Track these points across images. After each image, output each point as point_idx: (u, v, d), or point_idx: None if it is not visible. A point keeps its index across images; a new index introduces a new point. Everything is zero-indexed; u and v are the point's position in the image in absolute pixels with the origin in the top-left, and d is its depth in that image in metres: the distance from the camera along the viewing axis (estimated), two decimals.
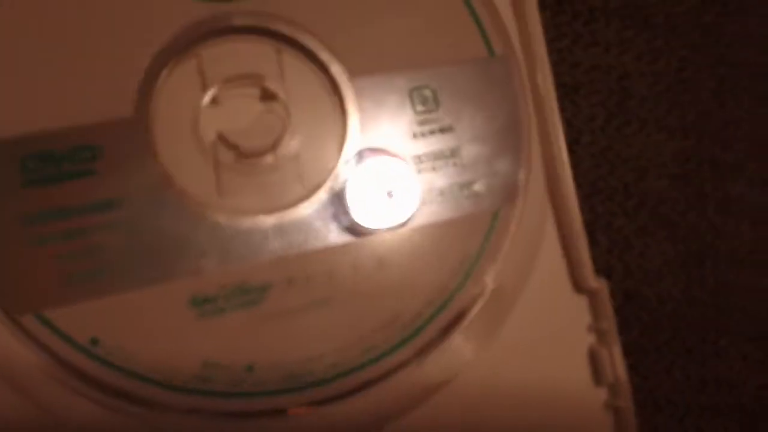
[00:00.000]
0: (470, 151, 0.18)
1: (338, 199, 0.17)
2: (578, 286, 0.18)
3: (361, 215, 0.17)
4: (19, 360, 0.15)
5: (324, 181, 0.17)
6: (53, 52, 0.16)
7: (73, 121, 0.16)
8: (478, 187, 0.18)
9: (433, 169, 0.18)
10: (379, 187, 0.17)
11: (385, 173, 0.17)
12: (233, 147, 0.17)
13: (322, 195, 0.17)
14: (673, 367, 0.21)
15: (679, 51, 0.22)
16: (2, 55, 0.16)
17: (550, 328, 0.18)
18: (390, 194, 0.17)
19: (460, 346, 0.17)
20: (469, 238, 0.18)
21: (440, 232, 0.18)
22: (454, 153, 0.18)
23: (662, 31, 0.21)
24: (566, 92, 0.20)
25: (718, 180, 0.21)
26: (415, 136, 0.18)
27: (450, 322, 0.17)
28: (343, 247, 0.17)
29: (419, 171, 0.18)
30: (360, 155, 0.17)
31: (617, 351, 0.18)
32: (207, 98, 0.17)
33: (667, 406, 0.21)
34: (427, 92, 0.18)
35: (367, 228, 0.17)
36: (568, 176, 0.18)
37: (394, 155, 0.17)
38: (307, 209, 0.17)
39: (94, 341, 0.15)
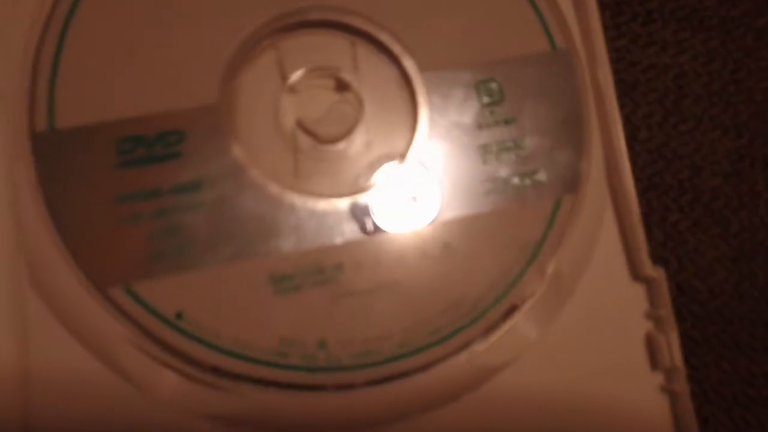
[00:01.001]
0: (533, 142, 0.19)
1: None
2: (635, 274, 0.19)
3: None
4: (107, 331, 0.16)
5: (396, 167, 0.18)
6: (146, 44, 0.17)
7: (163, 108, 0.17)
8: (540, 176, 0.19)
9: (497, 158, 0.19)
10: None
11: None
12: (311, 134, 0.18)
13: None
14: (723, 359, 0.21)
15: (734, 53, 0.22)
16: (102, 48, 0.17)
17: (607, 314, 0.18)
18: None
19: (521, 328, 0.18)
20: (532, 225, 0.18)
21: (503, 220, 0.18)
22: (517, 144, 0.19)
23: (717, 33, 0.22)
24: (624, 90, 0.20)
25: None
26: (480, 127, 0.19)
27: (512, 306, 0.18)
28: (411, 233, 0.18)
29: (484, 161, 0.18)
30: None
31: (674, 337, 0.18)
32: (286, 87, 0.18)
33: (715, 397, 0.21)
34: (493, 85, 0.19)
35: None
36: (627, 168, 0.19)
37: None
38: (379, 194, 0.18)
39: (179, 315, 0.16)
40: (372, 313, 0.17)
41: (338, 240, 0.17)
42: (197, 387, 0.16)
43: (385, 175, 0.18)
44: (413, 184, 0.18)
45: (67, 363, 0.16)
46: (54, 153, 0.16)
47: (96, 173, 0.16)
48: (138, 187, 0.17)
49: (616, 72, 0.19)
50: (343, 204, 0.18)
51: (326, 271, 0.17)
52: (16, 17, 0.17)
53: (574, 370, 0.18)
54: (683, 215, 0.21)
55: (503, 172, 0.18)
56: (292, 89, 0.18)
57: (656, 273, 0.18)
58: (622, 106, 0.19)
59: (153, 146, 0.17)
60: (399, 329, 0.17)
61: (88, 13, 0.17)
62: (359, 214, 0.17)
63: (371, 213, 0.17)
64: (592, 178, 0.19)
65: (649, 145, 0.21)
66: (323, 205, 0.17)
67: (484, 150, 0.18)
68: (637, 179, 0.19)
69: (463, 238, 0.18)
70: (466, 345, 0.17)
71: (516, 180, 0.18)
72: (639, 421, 0.18)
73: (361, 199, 0.17)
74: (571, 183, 0.19)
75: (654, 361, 0.18)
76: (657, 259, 0.19)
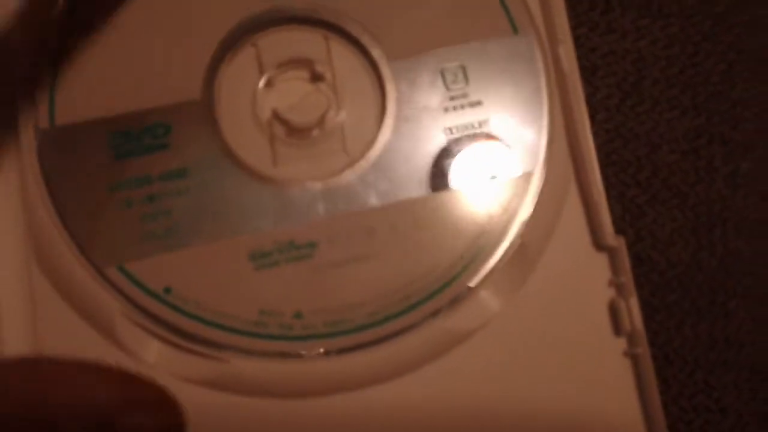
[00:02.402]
0: (498, 122, 0.20)
1: (378, 166, 0.19)
2: (598, 244, 0.20)
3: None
4: (105, 307, 0.18)
5: (366, 151, 0.19)
6: (135, 48, 0.19)
7: (151, 104, 0.19)
8: (504, 156, 0.20)
9: (463, 139, 0.20)
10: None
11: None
12: (285, 122, 0.19)
13: (363, 163, 0.19)
14: (683, 325, 0.22)
15: (693, 38, 0.23)
16: (95, 52, 0.19)
17: (572, 283, 0.19)
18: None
19: (487, 297, 0.19)
20: (497, 200, 0.19)
21: (469, 197, 0.19)
22: (482, 124, 0.20)
23: (676, 20, 0.23)
24: (584, 74, 0.21)
25: (727, 156, 0.22)
26: (446, 110, 0.20)
27: (479, 275, 0.19)
28: (381, 210, 0.19)
29: (449, 141, 0.19)
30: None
31: (634, 303, 0.19)
32: (263, 81, 0.20)
33: (677, 361, 0.22)
34: (457, 70, 0.20)
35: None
36: (590, 143, 0.20)
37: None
38: (350, 176, 0.19)
39: (167, 290, 0.18)
40: (344, 285, 0.19)
41: (312, 219, 0.19)
42: (186, 356, 0.18)
43: (358, 157, 0.19)
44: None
45: (68, 335, 0.18)
46: (55, 147, 0.18)
47: (92, 164, 0.18)
48: (130, 175, 0.18)
49: (576, 58, 0.20)
50: (317, 186, 0.19)
51: (301, 248, 0.19)
52: (25, 24, 0.19)
53: (540, 337, 0.19)
54: (641, 190, 0.22)
55: (469, 152, 0.20)
56: (270, 82, 0.20)
57: (617, 242, 0.19)
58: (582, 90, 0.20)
59: (142, 139, 0.19)
60: (370, 299, 0.19)
61: (81, 21, 0.19)
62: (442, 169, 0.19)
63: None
64: (555, 155, 0.20)
65: (607, 125, 0.22)
66: (298, 188, 0.19)
67: (450, 132, 0.20)
68: (596, 157, 0.20)
69: (431, 214, 0.19)
70: (433, 313, 0.19)
71: (481, 160, 0.20)
72: (604, 386, 0.19)
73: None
74: (535, 159, 0.20)
75: (617, 327, 0.19)
76: (616, 231, 0.20)
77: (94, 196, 0.18)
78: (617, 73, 0.22)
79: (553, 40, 0.20)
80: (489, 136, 0.20)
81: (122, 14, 0.19)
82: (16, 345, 0.17)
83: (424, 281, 0.19)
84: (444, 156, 0.19)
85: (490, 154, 0.20)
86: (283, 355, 0.18)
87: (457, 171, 0.19)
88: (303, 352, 0.18)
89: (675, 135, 0.22)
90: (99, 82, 0.19)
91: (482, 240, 0.19)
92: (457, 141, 0.20)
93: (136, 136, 0.19)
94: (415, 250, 0.19)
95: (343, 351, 0.18)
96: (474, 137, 0.20)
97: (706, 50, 0.23)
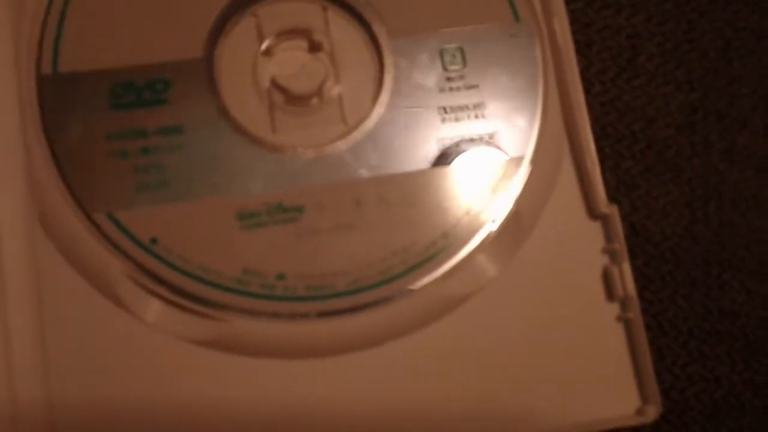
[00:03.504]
0: (493, 105, 0.20)
1: (371, 139, 0.20)
2: (592, 212, 0.20)
3: None
4: (93, 254, 0.18)
5: (360, 123, 0.20)
6: (140, 2, 0.19)
7: (153, 59, 0.19)
8: (496, 136, 0.20)
9: (457, 119, 0.20)
10: None
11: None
12: (284, 90, 0.20)
13: (357, 135, 0.20)
14: (677, 295, 0.22)
15: (688, 15, 0.23)
16: (103, 3, 0.19)
17: (567, 250, 0.20)
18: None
19: (483, 263, 0.19)
20: (486, 180, 0.20)
21: (460, 174, 0.20)
22: (477, 107, 0.20)
23: None
24: (579, 48, 0.21)
25: (723, 130, 0.23)
26: (442, 90, 0.20)
27: (472, 243, 0.19)
28: (370, 180, 0.19)
29: (443, 120, 0.20)
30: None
31: (627, 269, 0.20)
32: (262, 48, 0.20)
33: (671, 330, 0.22)
34: (456, 52, 0.20)
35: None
36: (584, 115, 0.20)
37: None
38: (342, 146, 0.20)
39: (154, 240, 0.18)
40: (329, 251, 0.19)
41: (301, 185, 0.19)
42: (181, 314, 0.18)
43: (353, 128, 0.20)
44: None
45: (71, 294, 0.18)
46: (56, 94, 0.19)
47: (91, 113, 0.19)
48: (127, 127, 0.19)
49: (571, 33, 0.21)
50: (309, 154, 0.19)
51: (289, 211, 0.19)
52: None
53: (535, 303, 0.20)
54: (636, 162, 0.22)
55: (461, 131, 0.20)
56: (269, 51, 0.20)
57: (611, 210, 0.20)
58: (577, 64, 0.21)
59: (142, 92, 0.19)
60: (353, 267, 0.19)
61: None
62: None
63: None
64: (550, 130, 0.20)
65: (602, 98, 0.23)
66: (290, 154, 0.19)
67: (444, 111, 0.20)
68: (591, 129, 0.20)
69: (419, 190, 0.20)
70: (414, 284, 0.19)
71: (473, 139, 0.20)
72: (597, 350, 0.20)
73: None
74: (526, 142, 0.20)
75: (610, 293, 0.20)
76: (611, 200, 0.20)
77: (90, 145, 0.19)
78: (612, 47, 0.23)
79: (548, 14, 0.21)
80: (482, 118, 0.20)
81: None
82: (20, 303, 0.18)
83: (405, 255, 0.19)
84: (436, 134, 0.20)
85: (482, 134, 0.20)
86: (264, 315, 0.18)
87: (448, 149, 0.20)
88: (282, 313, 0.19)
89: (670, 109, 0.23)
90: (104, 34, 0.19)
91: (466, 219, 0.19)
92: (450, 120, 0.20)
93: (137, 89, 0.19)
94: (400, 224, 0.19)
95: (322, 315, 0.19)
96: (467, 118, 0.20)
97: (702, 27, 0.23)
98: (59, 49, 0.19)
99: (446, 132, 0.20)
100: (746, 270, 0.23)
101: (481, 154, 0.20)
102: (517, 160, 0.20)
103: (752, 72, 0.23)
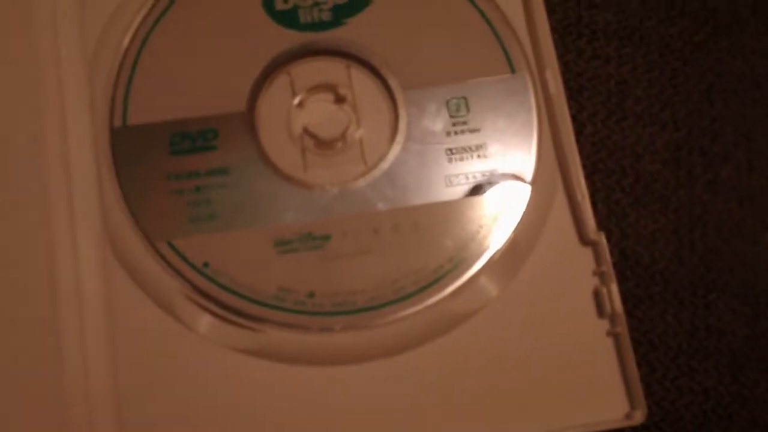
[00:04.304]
0: (493, 146, 0.23)
1: (387, 176, 0.23)
2: (583, 239, 0.23)
3: None
4: (156, 276, 0.22)
5: (378, 163, 0.23)
6: (195, 66, 0.23)
7: (204, 112, 0.23)
8: (497, 172, 0.23)
9: (461, 159, 0.23)
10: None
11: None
12: (314, 136, 0.23)
13: (375, 173, 0.23)
14: (666, 314, 0.24)
15: (672, 63, 0.26)
16: (164, 67, 0.23)
17: (560, 273, 0.23)
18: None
19: (485, 284, 0.22)
20: (488, 210, 0.23)
21: (464, 205, 0.23)
22: (479, 147, 0.23)
23: (656, 48, 0.26)
24: (571, 94, 0.24)
25: (706, 165, 0.25)
26: (449, 134, 0.23)
27: (475, 266, 0.22)
28: (386, 212, 0.23)
29: (449, 160, 0.23)
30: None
31: (614, 288, 0.22)
32: (296, 102, 0.24)
33: (661, 346, 0.24)
34: (461, 102, 0.23)
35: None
36: (574, 152, 0.23)
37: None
38: (362, 183, 0.23)
39: (206, 264, 0.22)
40: (351, 273, 0.22)
41: (328, 216, 0.22)
42: (227, 326, 0.22)
43: (372, 168, 0.23)
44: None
45: (136, 310, 0.22)
46: (125, 143, 0.23)
47: (154, 158, 0.22)
48: (183, 169, 0.22)
49: (564, 81, 0.24)
50: (335, 190, 0.23)
51: (317, 239, 0.22)
52: (109, 44, 0.23)
53: (533, 319, 0.22)
54: (625, 194, 0.25)
55: (466, 168, 0.23)
56: (301, 103, 0.24)
57: (599, 237, 0.23)
58: (569, 108, 0.24)
59: (196, 140, 0.23)
60: (371, 286, 0.22)
61: (155, 43, 0.23)
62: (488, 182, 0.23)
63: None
64: (543, 166, 0.23)
65: (593, 138, 0.25)
66: (319, 190, 0.23)
67: (451, 152, 0.23)
68: (583, 166, 0.23)
69: (430, 219, 0.23)
70: (424, 302, 0.22)
71: (476, 175, 0.23)
72: (590, 361, 0.22)
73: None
74: (523, 177, 0.23)
75: (600, 310, 0.22)
76: (602, 229, 0.23)
77: (153, 184, 0.22)
78: (602, 93, 0.26)
79: (541, 66, 0.24)
80: (484, 157, 0.23)
81: (188, 37, 0.23)
82: (95, 318, 0.21)
83: (416, 276, 0.22)
84: (443, 172, 0.23)
85: (484, 171, 0.23)
86: (296, 327, 0.22)
87: (454, 185, 0.23)
88: (312, 326, 0.22)
89: (656, 147, 0.25)
90: (165, 92, 0.23)
91: (470, 246, 0.22)
92: (456, 160, 0.23)
93: (191, 137, 0.23)
94: (412, 249, 0.22)
95: (345, 328, 0.22)
96: (471, 158, 0.23)
97: (685, 73, 0.26)
98: (128, 105, 0.23)
99: (452, 170, 0.23)
100: (730, 291, 0.25)
101: (483, 188, 0.23)
102: (516, 194, 0.23)
103: (734, 111, 0.26)
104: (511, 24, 0.24)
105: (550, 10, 0.25)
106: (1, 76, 0.22)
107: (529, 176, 0.23)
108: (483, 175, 0.23)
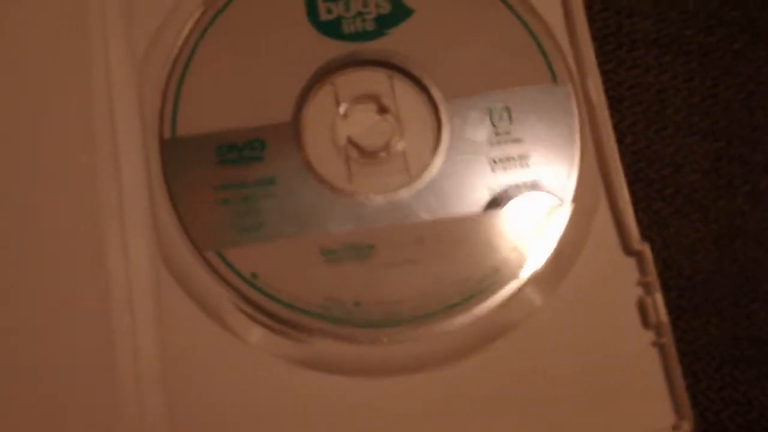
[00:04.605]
0: (536, 156, 0.23)
1: (430, 186, 0.23)
2: (627, 249, 0.23)
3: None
4: (205, 286, 0.22)
5: (421, 173, 0.23)
6: (242, 78, 0.24)
7: (251, 123, 0.23)
8: (540, 182, 0.23)
9: (504, 168, 0.23)
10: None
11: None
12: (358, 146, 0.24)
13: (418, 183, 0.23)
14: (709, 324, 0.25)
15: (711, 72, 0.26)
16: (211, 79, 0.23)
17: (605, 283, 0.23)
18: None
19: (529, 294, 0.23)
20: (530, 221, 0.23)
21: (508, 215, 0.23)
22: (522, 157, 0.23)
23: (696, 56, 0.26)
24: (612, 103, 0.24)
25: (746, 175, 0.25)
26: (492, 144, 0.24)
27: (520, 277, 0.23)
28: (430, 222, 0.23)
29: (493, 170, 0.23)
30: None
31: (659, 299, 0.22)
32: (340, 112, 0.24)
33: (705, 356, 0.24)
34: (503, 111, 0.24)
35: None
36: (617, 162, 0.23)
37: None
38: (406, 193, 0.23)
39: (254, 275, 0.22)
40: (396, 283, 0.22)
41: (373, 226, 0.23)
42: (277, 336, 0.22)
43: (415, 177, 0.23)
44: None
45: (186, 322, 0.22)
46: (175, 154, 0.23)
47: (202, 169, 0.23)
48: (230, 180, 0.23)
49: (604, 90, 0.24)
50: (379, 199, 0.23)
51: (363, 249, 0.23)
52: (157, 56, 0.24)
53: (578, 329, 0.22)
54: (666, 204, 0.25)
55: (509, 179, 0.23)
56: (345, 114, 0.24)
57: (643, 247, 0.23)
58: (609, 117, 0.24)
59: (243, 151, 0.23)
60: (416, 296, 0.22)
61: (202, 56, 0.24)
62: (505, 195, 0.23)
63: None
64: (587, 177, 0.23)
65: (633, 147, 0.25)
66: (363, 199, 0.23)
67: (494, 162, 0.23)
68: (624, 175, 0.23)
69: (474, 229, 0.23)
70: (469, 312, 0.22)
71: (519, 185, 0.23)
72: (636, 372, 0.22)
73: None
74: (566, 188, 0.23)
75: (645, 321, 0.23)
76: (644, 238, 0.23)
77: (201, 195, 0.23)
78: (642, 102, 0.26)
79: (582, 75, 0.24)
80: (527, 167, 0.23)
81: (234, 48, 0.24)
82: (146, 327, 0.22)
83: (461, 286, 0.22)
84: (487, 181, 0.23)
85: (527, 181, 0.23)
86: (344, 337, 0.22)
87: (497, 195, 0.23)
88: (358, 336, 0.22)
89: (696, 157, 0.25)
90: (211, 103, 0.23)
91: (514, 256, 0.23)
92: (499, 170, 0.23)
93: (238, 148, 0.23)
94: (456, 260, 0.23)
95: (392, 338, 0.22)
96: (514, 167, 0.23)
97: (725, 83, 0.26)
98: (177, 116, 0.23)
99: (496, 180, 0.23)
100: None
101: (527, 198, 0.23)
102: (559, 204, 0.23)
103: None
104: (553, 33, 0.24)
105: (590, 19, 0.25)
106: (52, 89, 0.23)
107: (572, 186, 0.23)
108: (526, 185, 0.23)
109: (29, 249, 0.22)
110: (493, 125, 0.24)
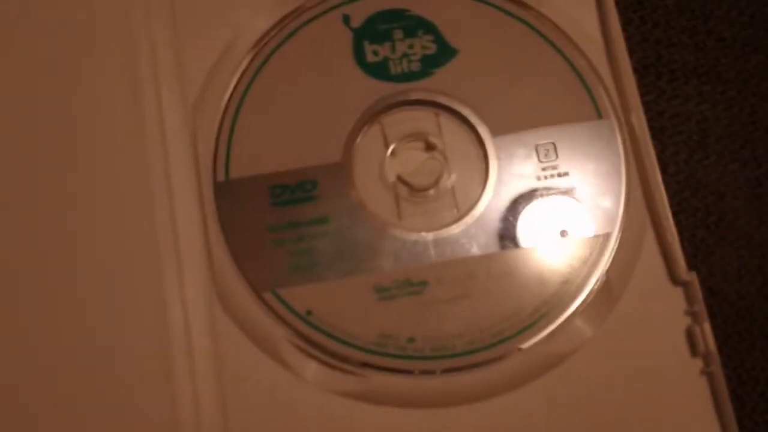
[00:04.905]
0: (582, 189, 0.24)
1: (480, 222, 0.23)
2: (674, 279, 0.23)
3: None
4: (261, 324, 0.23)
5: (470, 209, 0.24)
6: (292, 121, 0.24)
7: (302, 164, 0.24)
8: (587, 216, 0.24)
9: (553, 203, 0.24)
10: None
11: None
12: (407, 184, 0.24)
13: (468, 219, 0.24)
14: (754, 349, 0.25)
15: (750, 99, 0.26)
16: (261, 123, 0.24)
17: (653, 313, 0.23)
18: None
19: (580, 325, 0.23)
20: (578, 255, 0.23)
21: (556, 249, 0.23)
22: (568, 191, 0.24)
23: (734, 85, 0.27)
24: (654, 134, 0.25)
25: None
26: (539, 178, 0.24)
27: (570, 308, 0.23)
28: (480, 257, 0.23)
29: (541, 205, 0.24)
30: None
31: (707, 328, 0.23)
32: (388, 151, 0.24)
33: (749, 381, 0.25)
34: (549, 146, 0.24)
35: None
36: (662, 194, 0.24)
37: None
38: (456, 229, 0.24)
39: (309, 312, 0.23)
40: (449, 318, 0.23)
41: (425, 263, 0.23)
42: (332, 372, 0.23)
43: (464, 214, 0.24)
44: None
45: (244, 359, 0.23)
46: (229, 196, 0.23)
47: (256, 210, 0.23)
48: (284, 220, 0.23)
49: (646, 121, 0.24)
50: (430, 236, 0.23)
51: (415, 285, 0.23)
52: (209, 101, 0.24)
53: (628, 358, 0.23)
54: (710, 232, 0.26)
55: (556, 213, 0.24)
56: (393, 152, 0.24)
57: (691, 277, 0.23)
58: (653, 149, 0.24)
59: (295, 191, 0.24)
60: (469, 330, 0.23)
61: (252, 99, 0.24)
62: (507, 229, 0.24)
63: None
64: (633, 210, 0.24)
65: (677, 177, 0.26)
66: (414, 236, 0.23)
67: (542, 196, 0.24)
68: (669, 205, 0.24)
69: (522, 264, 0.23)
70: (521, 344, 0.23)
71: (566, 220, 0.24)
72: (683, 401, 0.23)
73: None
74: (613, 221, 0.24)
75: (693, 349, 0.23)
76: (689, 267, 0.23)
77: (256, 236, 0.23)
78: (683, 132, 0.26)
79: (626, 109, 0.24)
80: (574, 201, 0.24)
81: (284, 91, 0.24)
82: (204, 366, 0.22)
83: (513, 320, 0.23)
84: (535, 216, 0.24)
85: (575, 215, 0.24)
86: (399, 372, 0.22)
87: (545, 229, 0.23)
88: (414, 370, 0.22)
89: (738, 184, 0.26)
90: (263, 146, 0.24)
91: (564, 289, 0.23)
92: (547, 204, 0.24)
93: (291, 188, 0.24)
94: (507, 294, 0.23)
95: (445, 372, 0.23)
96: (561, 201, 0.24)
97: (764, 109, 0.26)
98: (230, 160, 0.24)
99: (545, 214, 0.24)
100: None
101: (574, 231, 0.23)
102: (606, 236, 0.23)
103: None
104: (596, 69, 0.25)
105: (630, 51, 0.25)
106: (107, 136, 0.23)
107: (618, 218, 0.24)
108: (573, 217, 0.24)
109: (91, 293, 0.22)
110: (540, 160, 0.24)
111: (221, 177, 0.24)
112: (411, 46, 0.25)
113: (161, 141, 0.24)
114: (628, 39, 0.26)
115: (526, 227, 0.24)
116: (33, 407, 0.22)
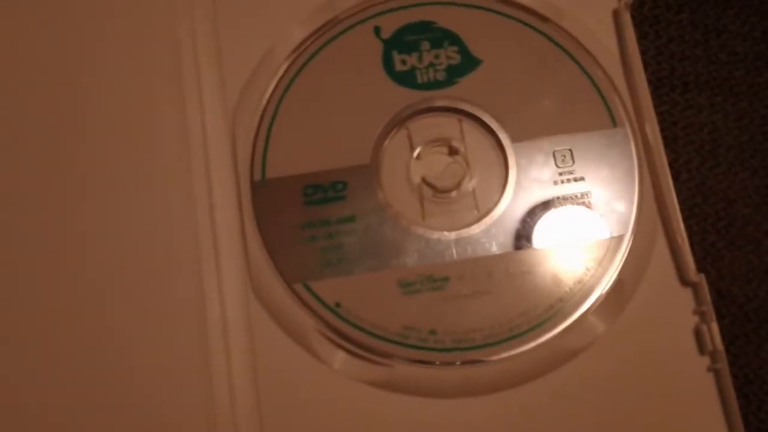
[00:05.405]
0: (597, 194, 0.25)
1: (499, 222, 0.25)
2: (684, 280, 0.25)
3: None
4: (293, 315, 0.24)
5: (490, 210, 0.25)
6: (324, 125, 0.26)
7: (334, 165, 0.25)
8: (601, 218, 0.25)
9: (569, 206, 0.25)
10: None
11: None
12: (431, 186, 0.26)
13: (488, 220, 0.25)
14: (761, 350, 0.26)
15: (761, 110, 0.28)
16: (296, 126, 0.26)
17: (663, 312, 0.24)
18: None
19: (593, 322, 0.24)
20: (592, 255, 0.25)
21: (572, 249, 0.25)
22: (584, 196, 0.25)
23: (746, 96, 0.28)
24: (667, 143, 0.26)
25: None
26: (555, 183, 0.25)
27: (583, 306, 0.24)
28: (499, 256, 0.25)
29: (558, 208, 0.25)
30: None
31: (714, 327, 0.24)
32: (414, 155, 0.26)
33: (756, 379, 0.26)
34: (566, 153, 0.25)
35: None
36: (674, 200, 0.25)
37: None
38: (476, 229, 0.25)
39: (338, 304, 0.24)
40: (468, 312, 0.24)
41: (446, 260, 0.25)
42: (358, 361, 0.24)
43: (485, 215, 0.25)
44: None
45: (276, 349, 0.24)
46: (265, 195, 0.25)
47: (289, 208, 0.25)
48: (316, 218, 0.25)
49: (660, 130, 0.25)
50: (452, 236, 0.25)
51: (437, 281, 0.25)
52: (247, 106, 0.26)
53: (638, 355, 0.24)
54: (720, 237, 0.27)
55: (572, 215, 0.25)
56: (419, 156, 0.26)
57: (699, 279, 0.24)
58: (665, 157, 0.26)
59: (327, 191, 0.25)
60: (487, 325, 0.24)
61: (289, 104, 0.26)
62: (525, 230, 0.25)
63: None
64: (645, 213, 0.25)
65: (689, 184, 0.27)
66: (437, 235, 0.25)
67: (558, 200, 0.25)
68: (680, 210, 0.25)
69: (538, 263, 0.25)
70: (536, 339, 0.24)
71: (582, 222, 0.25)
72: (692, 396, 0.24)
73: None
74: (626, 224, 0.25)
75: (701, 348, 0.24)
76: (699, 270, 0.25)
77: (289, 232, 0.25)
78: (695, 141, 0.28)
79: (640, 119, 0.26)
80: (589, 204, 0.25)
81: (318, 96, 0.26)
82: (240, 352, 0.24)
83: (529, 315, 0.24)
84: (551, 218, 0.25)
85: (589, 218, 0.25)
86: (420, 362, 0.24)
87: (561, 231, 0.25)
88: (435, 361, 0.24)
89: (748, 192, 0.27)
90: (297, 148, 0.26)
91: (578, 287, 0.24)
92: (563, 207, 0.25)
93: (323, 188, 0.25)
94: (524, 291, 0.24)
95: (465, 363, 0.24)
96: (576, 205, 0.25)
97: None
98: (266, 161, 0.25)
99: (561, 216, 0.25)
100: None
101: (589, 233, 0.25)
102: (619, 238, 0.25)
103: None
104: (612, 80, 0.26)
105: (645, 64, 0.27)
106: (152, 138, 0.25)
107: (631, 222, 0.25)
108: (588, 221, 0.25)
109: (134, 288, 0.24)
110: (557, 165, 0.25)
111: (258, 177, 0.25)
112: (437, 57, 0.26)
113: (203, 143, 0.26)
114: (644, 52, 0.28)
115: (543, 229, 0.25)
116: (73, 401, 0.23)
